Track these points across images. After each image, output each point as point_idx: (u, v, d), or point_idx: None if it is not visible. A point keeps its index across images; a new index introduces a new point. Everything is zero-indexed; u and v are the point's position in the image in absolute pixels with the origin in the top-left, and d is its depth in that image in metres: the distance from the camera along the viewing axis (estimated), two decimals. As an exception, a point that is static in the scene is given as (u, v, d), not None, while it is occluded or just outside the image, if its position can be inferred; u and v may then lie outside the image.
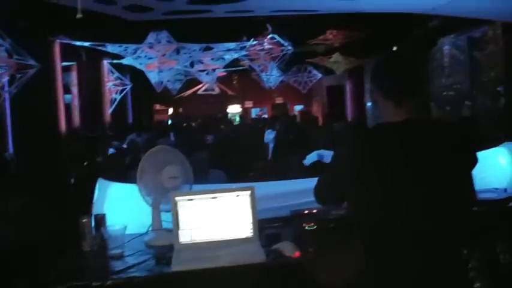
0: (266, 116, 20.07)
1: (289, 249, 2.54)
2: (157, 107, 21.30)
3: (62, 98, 8.73)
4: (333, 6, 4.90)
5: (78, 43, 9.13)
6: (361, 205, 2.02)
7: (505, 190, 3.41)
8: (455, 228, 1.97)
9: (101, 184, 3.16)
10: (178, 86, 14.20)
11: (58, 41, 8.61)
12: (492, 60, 8.74)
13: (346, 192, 2.06)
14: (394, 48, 12.30)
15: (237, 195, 2.77)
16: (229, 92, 21.29)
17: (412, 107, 2.02)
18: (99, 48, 9.48)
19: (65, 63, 9.42)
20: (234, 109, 23.34)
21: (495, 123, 8.26)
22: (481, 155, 3.74)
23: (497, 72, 8.49)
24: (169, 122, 19.56)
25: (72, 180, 5.49)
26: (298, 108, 22.08)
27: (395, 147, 1.98)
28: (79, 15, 3.03)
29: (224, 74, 15.50)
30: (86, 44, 9.25)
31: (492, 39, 8.69)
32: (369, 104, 15.10)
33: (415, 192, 1.92)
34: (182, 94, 17.83)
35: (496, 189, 3.45)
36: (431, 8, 4.78)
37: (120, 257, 2.67)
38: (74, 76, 10.54)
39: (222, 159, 6.67)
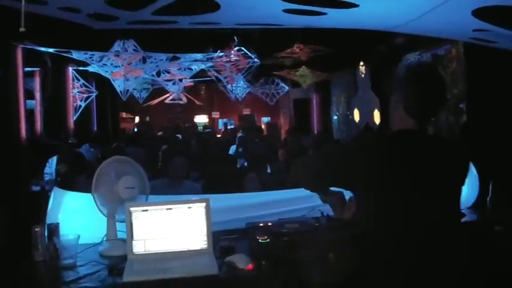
0: (233, 126, 20.07)
1: (242, 262, 2.55)
2: (124, 115, 21.12)
3: (23, 104, 8.57)
4: (297, 22, 4.95)
5: (42, 49, 9.00)
6: (377, 211, 2.07)
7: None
8: (455, 239, 2.08)
9: (56, 193, 3.12)
10: (145, 94, 14.12)
11: (21, 46, 8.47)
12: (455, 77, 8.94)
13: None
14: (361, 64, 12.49)
15: (192, 207, 2.78)
16: (197, 102, 21.27)
17: (428, 124, 2.14)
18: (64, 54, 9.37)
19: (28, 69, 9.27)
20: (201, 119, 23.34)
21: (457, 139, 8.44)
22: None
23: (460, 90, 8.68)
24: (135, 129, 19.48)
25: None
26: (265, 120, 22.19)
27: (415, 157, 2.06)
28: (22, 29, 2.98)
29: (192, 84, 15.48)
30: (51, 50, 9.13)
31: (455, 57, 8.90)
32: (335, 117, 15.27)
33: (424, 204, 2.01)
34: (149, 103, 17.74)
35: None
36: (392, 26, 4.88)
37: (73, 267, 2.64)
38: (37, 82, 10.38)
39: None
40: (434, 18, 3.97)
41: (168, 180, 4.95)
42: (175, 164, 5.05)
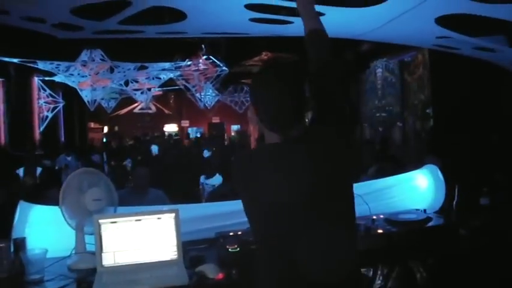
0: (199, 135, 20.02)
1: (212, 271, 2.55)
2: (92, 125, 20.89)
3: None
4: (263, 30, 4.99)
5: (6, 59, 8.86)
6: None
7: (425, 211, 3.54)
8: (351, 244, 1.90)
9: (22, 206, 3.06)
10: (113, 104, 14.04)
11: (-16, 56, 8.35)
12: (421, 83, 9.12)
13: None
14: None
15: (161, 218, 2.76)
16: (166, 111, 21.17)
17: (294, 129, 1.84)
18: (29, 65, 9.25)
19: (-9, 79, 9.14)
20: (170, 128, 23.23)
21: (423, 144, 8.59)
22: (403, 177, 3.91)
23: (426, 95, 8.85)
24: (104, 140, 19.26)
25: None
26: (235, 128, 22.21)
27: (276, 170, 1.83)
28: None
29: (160, 93, 15.43)
30: (15, 60, 9.01)
31: (421, 63, 9.07)
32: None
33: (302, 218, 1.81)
34: (118, 112, 17.60)
35: (417, 210, 3.58)
36: (358, 34, 4.95)
37: (40, 282, 2.59)
38: (1, 92, 10.21)
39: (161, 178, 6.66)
40: (399, 25, 4.04)
41: (130, 189, 4.99)
42: (138, 174, 5.07)
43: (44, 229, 3.04)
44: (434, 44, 4.88)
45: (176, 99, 22.64)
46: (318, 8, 3.63)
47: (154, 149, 12.17)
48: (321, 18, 4.01)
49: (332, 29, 4.74)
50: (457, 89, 7.10)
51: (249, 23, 4.28)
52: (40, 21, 4.46)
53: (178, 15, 4.12)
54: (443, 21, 3.85)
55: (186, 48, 9.88)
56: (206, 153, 10.53)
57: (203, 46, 9.98)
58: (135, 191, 4.98)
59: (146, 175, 5.07)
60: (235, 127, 22.34)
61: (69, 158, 8.87)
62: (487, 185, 3.74)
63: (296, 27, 4.50)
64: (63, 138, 13.77)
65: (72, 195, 2.91)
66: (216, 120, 22.68)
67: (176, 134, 19.48)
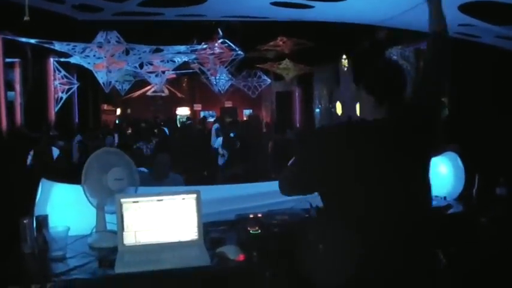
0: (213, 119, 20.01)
1: (233, 253, 2.57)
2: (105, 107, 20.96)
3: (3, 96, 8.48)
4: (283, 15, 4.95)
5: (23, 40, 8.89)
6: (344, 199, 2.05)
7: (445, 198, 3.54)
8: (429, 224, 2.09)
9: (44, 185, 3.09)
10: (126, 86, 14.06)
11: (1, 36, 8.36)
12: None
13: (323, 187, 2.11)
14: (344, 57, 12.55)
15: (183, 199, 2.78)
16: (179, 95, 21.18)
17: (389, 109, 2.12)
18: (46, 45, 9.27)
19: (8, 60, 9.15)
20: (182, 111, 23.25)
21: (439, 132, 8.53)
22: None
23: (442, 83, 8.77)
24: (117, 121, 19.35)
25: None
26: (247, 112, 22.19)
27: (372, 144, 2.06)
28: (26, 18, 2.95)
29: (174, 76, 15.43)
30: (32, 41, 9.03)
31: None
32: (317, 110, 15.32)
33: (393, 189, 2.01)
34: (131, 95, 17.64)
35: (437, 197, 3.58)
36: (378, 20, 4.90)
37: (62, 259, 2.63)
38: (17, 73, 10.24)
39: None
40: (421, 12, 3.98)
41: (151, 176, 4.84)
42: (160, 161, 4.96)
43: (65, 207, 3.07)
44: (455, 31, 4.82)
45: (189, 83, 22.64)
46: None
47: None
48: (342, 4, 4.01)
49: (352, 14, 4.73)
50: (473, 77, 7.03)
51: (269, 6, 4.24)
52: (60, 1, 4.45)
53: (199, -2, 4.11)
54: (467, 8, 3.80)
55: (202, 31, 9.86)
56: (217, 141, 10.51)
57: (219, 30, 9.95)
58: (156, 177, 4.84)
59: (167, 162, 5.02)
60: (247, 111, 22.31)
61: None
62: (503, 175, 3.72)
63: (316, 11, 4.47)
64: (77, 120, 13.83)
65: (94, 174, 2.94)
66: (228, 104, 22.66)
67: (188, 118, 19.42)
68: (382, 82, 2.14)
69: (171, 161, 5.07)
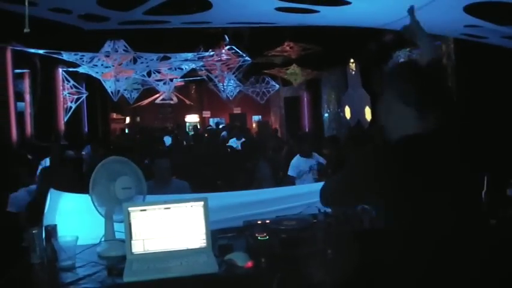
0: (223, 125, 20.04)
1: (241, 260, 2.56)
2: (114, 116, 21.06)
3: (14, 106, 8.54)
4: (290, 20, 4.96)
5: (32, 50, 8.96)
6: (400, 214, 1.96)
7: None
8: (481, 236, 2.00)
9: (52, 194, 3.11)
10: (135, 95, 14.10)
11: (10, 47, 8.43)
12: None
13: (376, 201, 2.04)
14: (351, 61, 12.53)
15: (190, 206, 2.79)
16: (187, 102, 21.24)
17: (433, 119, 1.95)
18: (54, 56, 9.33)
19: (17, 71, 9.23)
20: (191, 118, 23.29)
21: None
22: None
23: (450, 85, 8.74)
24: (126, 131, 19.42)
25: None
26: (256, 118, 22.22)
27: (427, 161, 1.91)
28: (26, 30, 2.97)
29: (182, 83, 15.47)
30: (40, 51, 9.09)
31: (445, 53, 8.95)
32: (325, 115, 15.30)
33: (449, 203, 1.90)
34: (139, 103, 17.70)
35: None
36: (384, 24, 4.90)
37: (71, 268, 2.63)
38: (27, 84, 10.32)
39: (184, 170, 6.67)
40: (427, 14, 3.98)
41: (153, 182, 4.80)
42: (161, 166, 4.95)
43: (73, 217, 3.08)
44: (461, 33, 4.81)
45: (197, 90, 22.70)
46: (346, -4, 3.61)
47: (167, 140, 12.09)
48: (347, 8, 4.01)
49: (358, 18, 4.73)
50: (482, 79, 7.01)
51: (274, 12, 4.26)
52: (67, 12, 4.49)
53: (205, 5, 4.12)
54: (472, 9, 3.79)
55: (209, 38, 9.89)
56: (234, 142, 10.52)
57: (226, 36, 9.98)
58: (158, 182, 4.84)
59: (167, 166, 5.02)
60: (256, 117, 22.34)
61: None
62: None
63: (322, 16, 4.48)
64: (86, 129, 13.90)
65: (101, 183, 2.95)
66: (237, 110, 22.69)
67: (195, 127, 19.43)
68: (424, 91, 1.95)
69: (170, 165, 5.05)
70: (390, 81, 2.06)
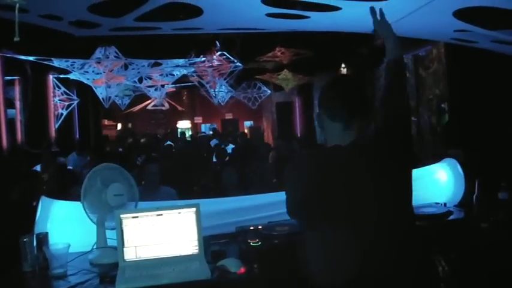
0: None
1: (234, 266, 2.56)
2: (106, 122, 20.98)
3: (4, 113, 8.49)
4: (280, 25, 4.97)
5: (22, 57, 8.91)
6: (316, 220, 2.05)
7: (445, 204, 3.53)
8: (409, 242, 2.04)
9: (44, 202, 3.09)
10: (126, 101, 14.05)
11: (0, 54, 8.40)
12: (436, 78, 9.04)
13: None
14: (343, 66, 12.57)
15: (182, 213, 2.78)
16: (179, 108, 21.21)
17: (358, 129, 2.07)
18: (45, 62, 9.29)
19: (7, 78, 9.18)
20: (183, 124, 23.26)
21: (439, 139, 8.54)
22: (423, 170, 3.89)
23: (441, 90, 8.78)
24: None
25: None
26: (248, 124, 22.22)
27: (343, 171, 2.00)
28: (16, 39, 2.96)
29: (173, 89, 15.45)
30: (31, 58, 9.05)
31: (436, 57, 9.00)
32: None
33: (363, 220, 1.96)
34: (131, 109, 17.66)
35: (437, 203, 3.57)
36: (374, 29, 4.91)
37: (63, 276, 2.63)
38: (17, 90, 10.27)
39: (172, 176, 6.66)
40: (416, 19, 4.01)
41: (142, 188, 4.80)
42: (150, 172, 4.97)
43: (65, 224, 3.07)
44: (451, 37, 4.84)
45: (189, 96, 22.67)
46: (335, 1, 3.62)
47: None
48: (337, 12, 4.02)
49: (348, 23, 4.74)
50: (473, 83, 7.04)
51: (265, 18, 4.26)
52: (57, 18, 4.47)
53: (195, 11, 4.12)
54: (462, 14, 3.81)
55: (200, 44, 9.87)
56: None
57: (217, 42, 9.98)
58: (147, 188, 4.85)
59: (157, 172, 5.02)
60: (248, 123, 22.34)
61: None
62: (505, 180, 3.71)
63: (312, 22, 4.49)
64: (77, 136, 13.84)
65: (93, 190, 2.94)
66: (229, 116, 22.68)
67: (182, 133, 19.36)
68: (344, 106, 2.08)
69: (159, 171, 5.06)
70: (319, 98, 2.19)
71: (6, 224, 3.38)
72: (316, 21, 4.53)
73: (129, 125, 23.33)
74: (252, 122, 22.22)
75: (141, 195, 4.52)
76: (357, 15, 4.20)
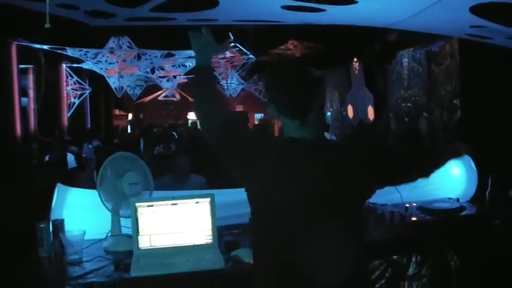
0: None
1: (247, 256, 2.57)
2: (117, 112, 21.06)
3: (18, 101, 8.55)
4: (295, 18, 4.96)
5: (36, 46, 8.97)
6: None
7: (458, 200, 3.54)
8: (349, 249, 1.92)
9: (59, 189, 3.13)
10: (138, 91, 14.11)
11: (15, 43, 8.45)
12: (449, 74, 8.99)
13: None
14: (354, 60, 12.53)
15: (197, 202, 2.81)
16: (190, 99, 21.23)
17: (310, 123, 1.94)
18: (59, 51, 9.35)
19: (22, 66, 9.24)
20: (194, 116, 23.26)
21: (451, 135, 8.51)
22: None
23: (454, 86, 8.73)
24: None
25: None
26: (258, 116, 22.22)
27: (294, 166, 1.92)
28: (47, 25, 2.98)
29: (185, 80, 15.48)
30: (45, 47, 9.11)
31: (449, 53, 8.94)
32: (328, 114, 15.30)
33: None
34: (142, 100, 17.72)
35: (450, 199, 3.58)
36: (390, 23, 4.90)
37: (78, 262, 2.66)
38: (31, 79, 10.33)
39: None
40: (432, 14, 3.99)
41: (171, 178, 4.90)
42: (180, 165, 5.00)
43: (80, 211, 3.11)
44: (466, 33, 4.81)
45: (200, 88, 22.68)
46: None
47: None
48: (353, 6, 4.01)
49: (364, 17, 4.73)
50: (486, 79, 7.00)
51: (281, 10, 4.26)
52: (74, 8, 4.49)
53: (211, 2, 4.12)
54: (478, 10, 3.79)
55: (213, 36, 9.87)
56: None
57: (230, 34, 9.98)
58: (177, 178, 4.91)
59: (188, 164, 5.04)
60: (258, 115, 22.34)
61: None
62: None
63: (328, 15, 4.48)
64: (89, 125, 13.93)
65: (109, 178, 2.97)
66: (239, 108, 22.68)
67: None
68: (292, 107, 1.94)
69: (190, 162, 5.09)
70: (266, 88, 2.11)
71: (23, 210, 3.42)
72: (332, 14, 4.52)
73: (140, 116, 23.40)
74: (262, 114, 22.21)
75: (171, 184, 4.60)
76: (372, 9, 4.20)
